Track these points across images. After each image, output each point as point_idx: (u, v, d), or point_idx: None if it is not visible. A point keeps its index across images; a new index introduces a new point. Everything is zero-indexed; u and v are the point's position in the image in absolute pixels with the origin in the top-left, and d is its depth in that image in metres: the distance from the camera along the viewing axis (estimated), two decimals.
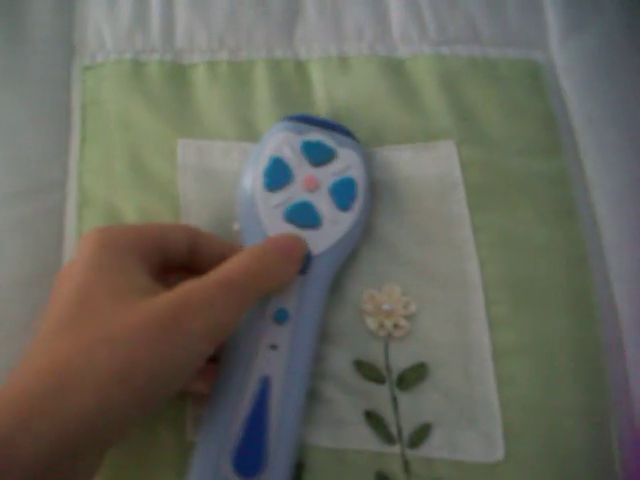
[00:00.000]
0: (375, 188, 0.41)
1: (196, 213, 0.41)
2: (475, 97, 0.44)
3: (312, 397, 0.37)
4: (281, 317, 0.35)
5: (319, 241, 0.37)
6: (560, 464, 0.35)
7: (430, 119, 0.44)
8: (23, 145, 0.43)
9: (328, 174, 0.38)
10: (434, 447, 0.36)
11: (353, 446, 0.36)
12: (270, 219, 0.37)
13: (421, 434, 0.36)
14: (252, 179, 0.38)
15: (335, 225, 0.37)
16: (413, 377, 0.37)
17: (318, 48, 0.47)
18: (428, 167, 0.42)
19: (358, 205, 0.38)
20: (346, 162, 0.39)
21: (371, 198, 0.40)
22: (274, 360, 0.34)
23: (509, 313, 0.38)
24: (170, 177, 0.42)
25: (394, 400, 0.36)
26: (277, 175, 0.38)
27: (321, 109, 0.44)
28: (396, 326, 0.38)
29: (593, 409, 0.37)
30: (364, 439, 0.36)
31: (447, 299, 0.39)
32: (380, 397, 0.37)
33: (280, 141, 0.39)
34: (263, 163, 0.38)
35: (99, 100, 0.45)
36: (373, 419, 0.36)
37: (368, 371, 0.37)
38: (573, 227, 0.41)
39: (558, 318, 0.38)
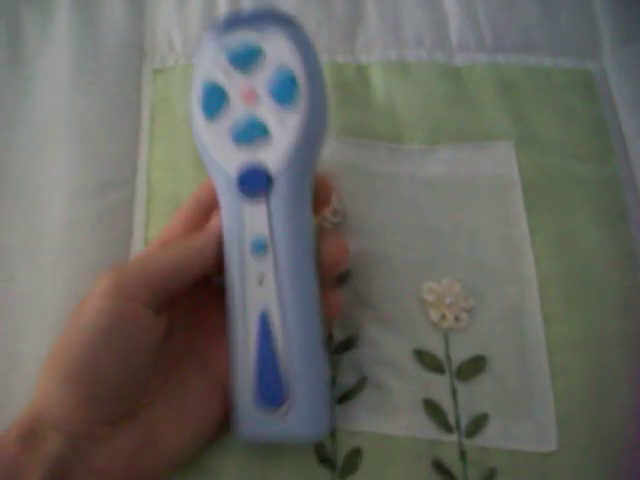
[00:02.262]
0: (433, 184, 0.43)
1: None
2: (530, 103, 0.46)
3: (370, 383, 0.38)
4: (257, 249, 0.33)
5: (274, 154, 0.33)
6: (611, 455, 0.36)
7: (488, 121, 0.45)
8: (96, 143, 0.46)
9: (262, 76, 0.34)
10: (490, 436, 0.37)
11: (411, 433, 0.37)
12: (219, 150, 0.34)
13: (478, 424, 0.37)
14: (193, 114, 0.35)
15: (284, 130, 0.33)
16: (472, 369, 0.38)
17: (378, 54, 0.49)
18: (486, 166, 0.44)
19: (304, 97, 0.33)
20: (277, 54, 0.34)
21: (321, 89, 0.34)
22: (264, 295, 0.33)
23: (563, 309, 0.40)
24: None
25: (453, 390, 0.38)
26: (212, 100, 0.34)
27: (380, 109, 0.46)
28: (457, 319, 0.39)
29: None
30: (422, 427, 0.37)
31: (503, 294, 0.40)
32: (439, 387, 0.38)
33: (205, 61, 0.35)
34: (196, 92, 0.35)
35: (168, 101, 0.47)
36: (432, 407, 0.37)
37: (428, 361, 0.38)
38: (624, 229, 0.42)
39: (609, 315, 0.40)
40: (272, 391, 0.33)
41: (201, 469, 0.36)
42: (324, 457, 0.36)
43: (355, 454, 0.36)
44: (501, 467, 0.36)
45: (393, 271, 0.41)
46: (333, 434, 0.37)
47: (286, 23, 0.34)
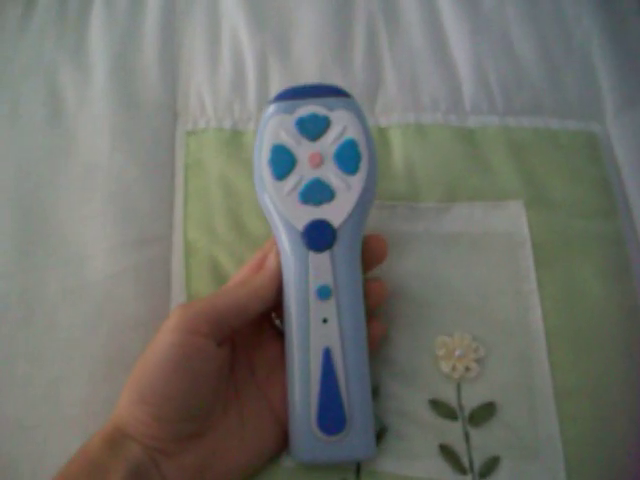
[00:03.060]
0: (448, 241, 0.46)
1: None
2: (539, 163, 0.49)
3: (390, 432, 0.40)
4: (323, 294, 0.38)
5: (338, 212, 0.38)
6: None
7: (500, 181, 0.48)
8: (133, 199, 0.48)
9: (329, 143, 0.39)
10: (502, 478, 0.39)
11: (428, 476, 0.39)
12: (287, 207, 0.38)
13: (490, 466, 0.39)
14: (260, 174, 0.39)
15: (348, 191, 0.38)
16: (483, 414, 0.40)
17: (397, 117, 0.52)
18: (498, 224, 0.46)
19: (365, 163, 0.39)
20: (342, 124, 0.39)
21: (375, 154, 0.39)
22: (327, 333, 0.38)
23: (569, 358, 0.42)
24: (264, 234, 0.46)
25: (466, 435, 0.40)
26: (281, 162, 0.39)
27: (399, 170, 0.49)
28: (467, 369, 0.41)
29: None
30: (438, 470, 0.39)
31: (512, 345, 0.42)
32: (453, 432, 0.40)
33: (275, 127, 0.39)
34: (265, 154, 0.39)
35: (201, 162, 0.50)
36: (447, 452, 0.39)
37: (442, 409, 0.41)
38: (628, 282, 0.45)
39: (613, 362, 0.42)
40: (334, 418, 0.37)
41: None
42: None
43: None
44: None
45: (409, 327, 0.43)
46: (358, 474, 0.39)
47: (346, 96, 0.40)
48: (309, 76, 0.53)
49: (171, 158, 0.50)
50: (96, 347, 0.43)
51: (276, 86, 0.53)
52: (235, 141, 0.51)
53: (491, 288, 0.44)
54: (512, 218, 0.46)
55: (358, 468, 0.39)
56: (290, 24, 0.56)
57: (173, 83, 0.54)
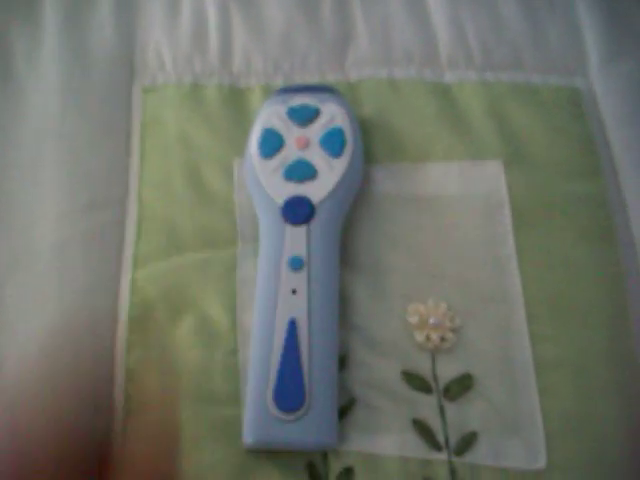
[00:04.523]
0: (421, 202, 0.44)
1: (251, 229, 0.42)
2: (519, 121, 0.46)
3: (359, 405, 0.38)
4: (295, 264, 0.38)
5: (318, 190, 0.40)
6: (600, 472, 0.37)
7: (477, 140, 0.46)
8: (85, 161, 0.45)
9: (316, 130, 0.42)
10: (479, 455, 0.37)
11: (401, 453, 0.37)
12: (270, 182, 0.41)
13: (467, 442, 0.37)
14: (250, 152, 0.42)
15: (331, 172, 0.40)
16: (459, 387, 0.38)
17: (368, 71, 0.49)
18: (474, 185, 0.44)
19: (349, 150, 0.41)
20: (330, 115, 0.42)
21: (361, 144, 0.43)
22: (296, 302, 0.37)
23: (549, 328, 0.40)
24: (227, 194, 0.44)
25: (441, 409, 0.38)
26: (270, 143, 0.42)
27: (369, 127, 0.46)
28: (443, 339, 0.39)
29: (630, 418, 0.38)
30: (411, 446, 0.37)
31: (490, 314, 0.40)
32: (427, 406, 0.38)
33: (267, 114, 0.43)
34: (256, 136, 0.42)
35: (159, 120, 0.47)
36: (421, 427, 0.37)
37: (416, 382, 0.38)
38: (611, 248, 0.43)
39: (595, 333, 0.40)
40: (292, 393, 0.36)
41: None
42: (315, 476, 0.36)
43: (347, 474, 0.36)
44: None
45: (380, 293, 0.41)
46: (324, 453, 0.37)
47: (338, 94, 0.44)
48: (274, 28, 0.50)
49: (127, 117, 0.48)
50: (42, 320, 0.41)
51: (240, 39, 0.50)
52: (196, 96, 0.48)
53: (467, 253, 0.42)
54: (490, 178, 0.44)
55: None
56: None
57: (129, 38, 0.51)
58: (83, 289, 0.41)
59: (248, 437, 0.35)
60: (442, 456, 0.37)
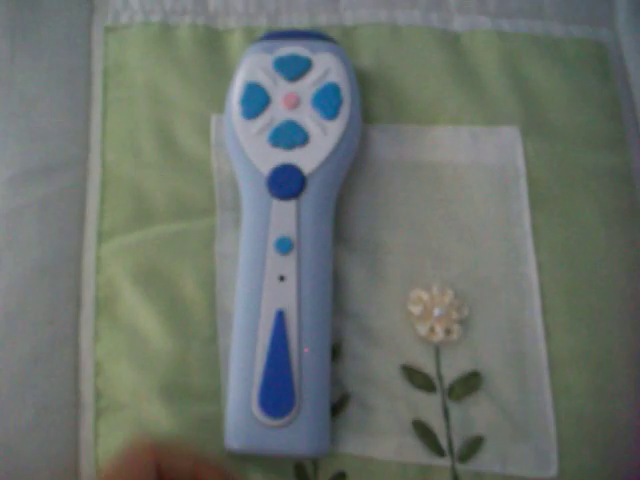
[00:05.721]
0: (426, 171, 0.40)
1: (232, 196, 0.39)
2: (539, 80, 0.43)
3: (354, 402, 0.35)
4: (283, 246, 0.35)
5: (310, 158, 0.36)
6: None
7: (491, 101, 0.42)
8: (39, 115, 0.41)
9: (308, 86, 0.38)
10: (485, 461, 0.35)
11: (399, 457, 0.35)
12: (254, 148, 0.36)
13: (472, 447, 0.35)
14: (230, 113, 0.38)
15: (325, 136, 0.36)
16: (466, 387, 0.36)
17: (366, 14, 0.44)
18: (487, 154, 0.40)
19: (345, 110, 0.37)
20: (324, 67, 0.38)
21: (359, 104, 0.38)
22: (284, 291, 0.34)
23: (566, 320, 0.37)
24: (203, 156, 0.40)
25: (445, 410, 0.35)
26: (253, 101, 0.37)
27: (368, 80, 0.42)
28: (448, 331, 0.36)
29: None
30: (411, 451, 0.35)
31: (501, 304, 0.37)
32: (430, 407, 0.35)
33: (251, 65, 0.38)
34: (237, 93, 0.38)
35: (123, 66, 0.43)
36: (422, 429, 0.35)
37: (417, 378, 0.36)
38: (635, 229, 0.40)
39: (615, 326, 0.37)
40: (280, 395, 0.33)
41: None
42: None
43: (339, 479, 0.34)
44: None
45: (378, 275, 0.38)
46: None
47: (333, 43, 0.39)
48: None
49: (86, 62, 0.44)
50: None
51: None
52: (166, 37, 0.44)
53: (476, 233, 0.39)
54: (505, 147, 0.40)
55: None
56: None
57: None
58: (40, 267, 0.38)
59: (232, 442, 0.33)
60: (445, 462, 0.35)
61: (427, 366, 0.36)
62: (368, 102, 0.41)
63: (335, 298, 0.37)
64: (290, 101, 0.37)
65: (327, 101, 0.37)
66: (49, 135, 0.41)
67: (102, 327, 0.37)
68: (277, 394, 0.32)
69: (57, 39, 0.43)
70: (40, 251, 0.38)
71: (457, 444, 0.35)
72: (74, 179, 0.40)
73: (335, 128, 0.36)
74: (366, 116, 0.40)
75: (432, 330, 0.36)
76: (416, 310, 0.36)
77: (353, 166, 0.39)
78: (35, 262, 0.38)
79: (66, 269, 0.38)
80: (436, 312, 0.36)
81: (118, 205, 0.39)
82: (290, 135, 0.36)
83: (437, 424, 0.35)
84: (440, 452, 0.34)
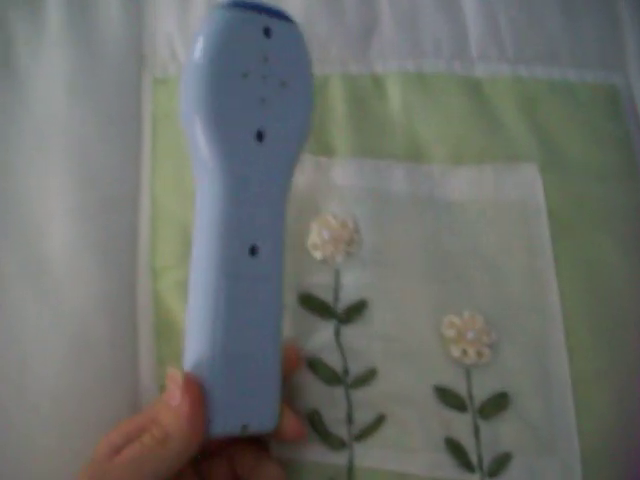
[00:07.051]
0: (454, 207, 0.42)
1: None
2: (555, 121, 0.44)
3: (391, 422, 0.37)
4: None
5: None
6: None
7: (511, 141, 0.43)
8: (93, 157, 0.42)
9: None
10: (513, 476, 0.36)
11: (432, 473, 0.36)
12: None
13: (501, 463, 0.36)
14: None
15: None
16: (495, 406, 0.37)
17: (395, 63, 0.46)
18: (509, 190, 0.42)
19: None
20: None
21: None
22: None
23: (588, 342, 0.39)
24: None
25: (476, 429, 0.37)
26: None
27: (398, 125, 0.44)
28: (479, 354, 0.38)
29: None
30: (444, 466, 0.36)
31: (527, 328, 0.39)
32: (461, 425, 0.37)
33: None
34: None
35: (171, 114, 0.44)
36: (453, 447, 0.36)
37: (449, 398, 0.37)
38: None
39: (635, 347, 0.39)
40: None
41: None
42: None
43: None
44: None
45: (412, 302, 0.39)
46: (351, 470, 0.36)
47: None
48: (293, 14, 0.46)
49: (137, 110, 0.44)
50: (58, 332, 0.38)
51: None
52: None
53: (502, 263, 0.40)
54: (526, 183, 0.42)
55: (350, 466, 0.36)
56: None
57: (138, 26, 0.46)
58: (100, 298, 0.39)
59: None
60: (475, 477, 0.36)
61: (459, 387, 0.37)
62: (396, 143, 0.43)
63: (368, 320, 0.38)
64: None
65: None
66: (103, 174, 0.42)
67: (165, 354, 0.38)
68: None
69: (110, 88, 0.44)
70: (98, 284, 0.39)
71: (487, 460, 0.36)
72: (126, 215, 0.41)
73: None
74: (396, 156, 0.42)
75: (465, 353, 0.38)
76: (450, 333, 0.38)
77: (387, 206, 0.40)
78: (95, 295, 0.39)
79: (123, 299, 0.39)
80: (469, 335, 0.38)
81: (167, 239, 0.40)
82: None
83: (468, 441, 0.36)
84: (470, 468, 0.36)
